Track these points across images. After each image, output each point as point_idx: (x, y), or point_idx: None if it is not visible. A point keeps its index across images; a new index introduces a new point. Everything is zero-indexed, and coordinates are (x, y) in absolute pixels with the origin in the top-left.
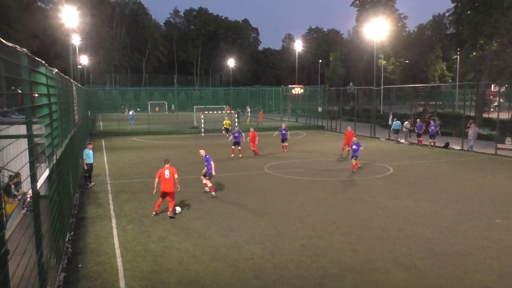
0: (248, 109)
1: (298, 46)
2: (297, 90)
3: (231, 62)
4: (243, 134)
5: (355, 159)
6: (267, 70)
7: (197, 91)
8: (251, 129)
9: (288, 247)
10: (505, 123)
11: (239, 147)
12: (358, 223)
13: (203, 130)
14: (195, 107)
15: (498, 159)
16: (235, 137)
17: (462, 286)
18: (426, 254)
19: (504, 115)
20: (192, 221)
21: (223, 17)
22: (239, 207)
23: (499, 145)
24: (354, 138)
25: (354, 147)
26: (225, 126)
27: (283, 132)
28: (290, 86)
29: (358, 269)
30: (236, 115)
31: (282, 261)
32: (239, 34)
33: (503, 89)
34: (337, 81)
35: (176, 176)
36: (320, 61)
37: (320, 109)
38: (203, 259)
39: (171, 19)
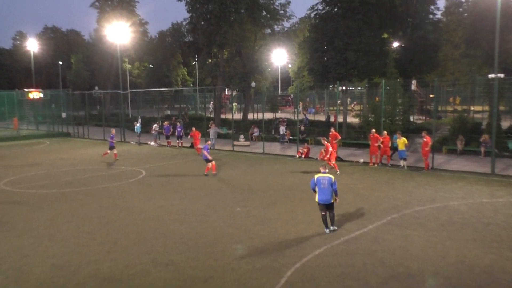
0: None
1: (33, 46)
2: (35, 94)
3: None
4: None
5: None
6: None
7: None
8: None
9: (36, 270)
10: (238, 123)
11: None
12: (114, 230)
13: None
14: None
15: (235, 155)
16: None
17: (214, 272)
18: (181, 249)
19: (237, 116)
20: None
21: None
22: None
23: (235, 142)
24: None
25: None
26: None
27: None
28: (26, 90)
29: (117, 278)
30: None
31: (30, 287)
32: None
33: (235, 93)
34: (81, 84)
35: None
36: (61, 63)
37: (64, 115)
38: None
39: None
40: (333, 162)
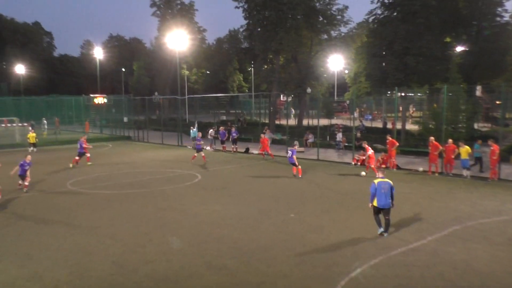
0: (45, 121)
1: (99, 53)
2: (100, 99)
3: (20, 69)
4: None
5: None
6: (65, 78)
7: None
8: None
9: (98, 267)
10: (293, 129)
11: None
12: (170, 232)
13: None
14: None
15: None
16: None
17: (266, 278)
18: (234, 253)
19: (292, 122)
20: None
21: (8, 18)
22: (38, 231)
23: (289, 148)
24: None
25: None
26: (30, 140)
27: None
28: (92, 95)
29: (173, 279)
30: (30, 128)
31: (92, 284)
32: (29, 37)
33: (290, 99)
34: (142, 90)
35: None
36: (124, 69)
37: (125, 119)
38: None
39: None
40: (372, 166)
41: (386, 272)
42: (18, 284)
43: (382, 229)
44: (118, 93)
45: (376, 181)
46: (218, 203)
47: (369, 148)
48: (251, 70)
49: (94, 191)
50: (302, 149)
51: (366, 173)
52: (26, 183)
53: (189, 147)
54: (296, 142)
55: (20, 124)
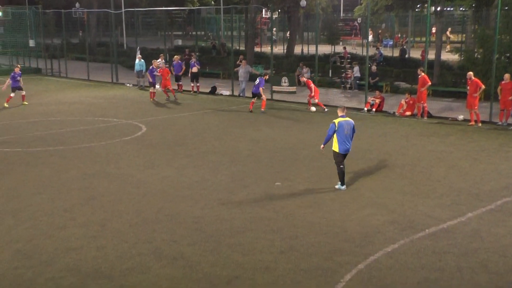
0: None
1: None
2: None
3: None
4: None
5: None
6: None
7: None
8: None
9: None
10: (280, 60)
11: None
12: (102, 208)
13: None
14: None
15: (274, 106)
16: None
17: (240, 272)
18: (195, 238)
19: (278, 49)
20: None
21: None
22: None
23: (275, 88)
24: None
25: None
26: None
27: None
28: None
29: (106, 273)
30: None
31: None
32: None
33: (275, 16)
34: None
35: None
36: None
37: (32, 43)
38: None
39: None
40: (318, 101)
41: (408, 262)
42: None
43: (344, 187)
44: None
45: (336, 121)
46: (171, 166)
47: (310, 81)
48: None
49: None
50: (293, 88)
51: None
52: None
53: (128, 85)
54: (284, 79)
55: None
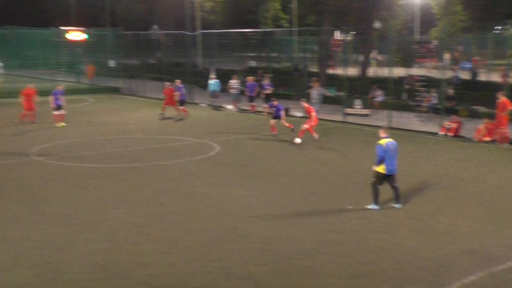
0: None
1: None
2: (75, 34)
3: None
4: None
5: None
6: (26, 3)
7: None
8: None
9: (73, 269)
10: (353, 81)
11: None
12: (175, 225)
13: None
14: None
15: (347, 128)
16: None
17: None
18: (265, 259)
19: (351, 71)
20: None
21: None
22: None
23: (348, 110)
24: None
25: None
26: None
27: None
28: (63, 28)
29: None
30: None
31: None
32: None
33: (349, 37)
34: (135, 22)
35: None
36: None
37: (112, 63)
38: None
39: None
40: (307, 126)
41: None
42: None
43: (378, 207)
44: (101, 26)
45: (383, 142)
46: (243, 186)
47: (311, 108)
48: None
49: (69, 163)
50: (366, 111)
51: (316, 137)
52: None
53: (202, 105)
54: (357, 101)
55: None
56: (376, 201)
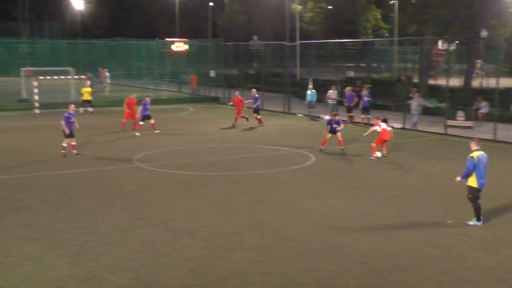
0: (107, 73)
1: None
2: (180, 45)
3: (78, 3)
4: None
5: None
6: (134, 16)
7: (26, 45)
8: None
9: (171, 273)
10: (456, 93)
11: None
12: (269, 234)
13: (37, 104)
14: (22, 69)
15: (448, 140)
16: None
17: None
18: (359, 271)
19: (455, 82)
20: (24, 242)
21: None
22: (96, 218)
23: (450, 122)
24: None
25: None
26: (84, 97)
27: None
28: (168, 39)
29: None
30: (88, 81)
31: None
32: None
33: (453, 47)
34: (235, 33)
35: None
36: (211, 4)
37: (213, 73)
38: None
39: None
40: (375, 145)
41: None
42: (70, 285)
43: (480, 222)
44: (203, 37)
45: (475, 154)
46: (338, 197)
47: (380, 122)
48: (394, 3)
49: (169, 171)
50: (469, 123)
51: (383, 154)
52: (73, 143)
53: (299, 115)
54: (460, 113)
55: (76, 77)
56: (478, 217)
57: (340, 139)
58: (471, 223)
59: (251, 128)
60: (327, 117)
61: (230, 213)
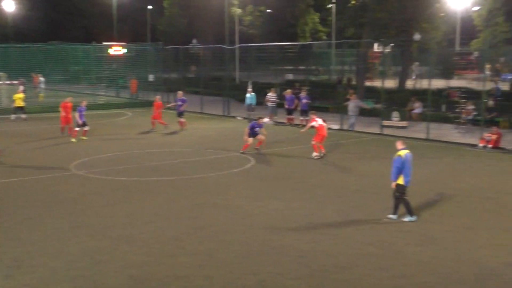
0: (41, 79)
1: None
2: (117, 49)
3: (9, 4)
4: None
5: None
6: (72, 19)
7: None
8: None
9: (111, 282)
10: (392, 94)
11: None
12: (210, 238)
13: None
14: None
15: (384, 140)
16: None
17: None
18: (300, 272)
19: (390, 83)
20: None
21: None
22: (32, 228)
23: (385, 122)
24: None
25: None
26: (16, 103)
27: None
28: (105, 43)
29: None
30: (20, 87)
31: None
32: None
33: (388, 50)
34: (175, 36)
35: None
36: (150, 7)
37: (152, 78)
38: None
39: None
40: (313, 143)
41: None
42: None
43: (415, 217)
44: (142, 41)
45: (402, 153)
46: (278, 198)
47: (316, 118)
48: (331, 7)
49: (107, 177)
50: (404, 123)
51: (321, 154)
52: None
53: (239, 118)
54: (395, 113)
55: (8, 82)
56: (410, 213)
57: (261, 139)
58: (406, 219)
59: (174, 132)
60: (266, 120)
61: (170, 218)
